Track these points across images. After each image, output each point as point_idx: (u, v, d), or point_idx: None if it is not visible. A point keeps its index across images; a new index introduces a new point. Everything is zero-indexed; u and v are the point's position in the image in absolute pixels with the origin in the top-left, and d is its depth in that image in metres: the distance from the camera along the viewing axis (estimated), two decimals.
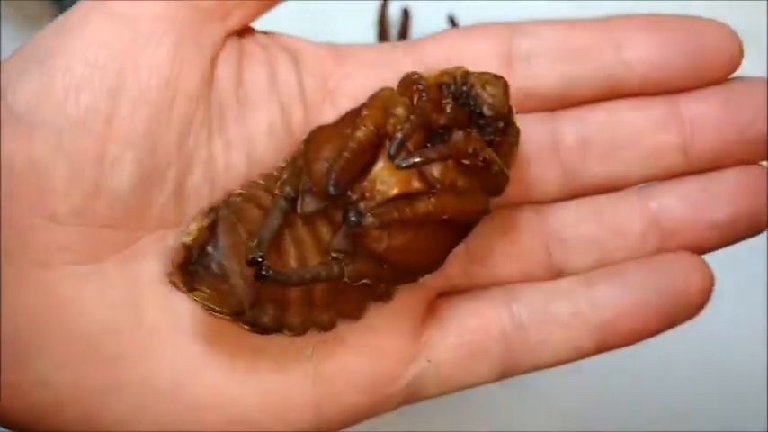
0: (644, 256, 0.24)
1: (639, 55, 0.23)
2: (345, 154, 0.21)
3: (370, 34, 0.54)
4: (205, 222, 0.21)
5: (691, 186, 0.24)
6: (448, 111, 0.22)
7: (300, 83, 0.23)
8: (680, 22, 0.24)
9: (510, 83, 0.24)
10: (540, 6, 0.53)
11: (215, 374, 0.22)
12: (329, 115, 0.23)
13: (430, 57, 0.24)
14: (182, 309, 0.22)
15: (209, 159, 0.22)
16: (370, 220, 0.21)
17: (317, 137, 0.22)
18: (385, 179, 0.21)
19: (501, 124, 0.22)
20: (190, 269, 0.21)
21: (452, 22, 0.55)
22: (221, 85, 0.22)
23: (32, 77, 0.21)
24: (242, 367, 0.22)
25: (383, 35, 0.54)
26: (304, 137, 0.22)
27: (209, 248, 0.21)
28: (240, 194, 0.22)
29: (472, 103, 0.22)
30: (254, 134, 0.23)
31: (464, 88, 0.22)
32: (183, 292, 0.21)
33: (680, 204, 0.24)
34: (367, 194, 0.21)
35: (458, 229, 0.22)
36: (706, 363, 0.45)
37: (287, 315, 0.22)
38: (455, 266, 0.24)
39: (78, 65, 0.21)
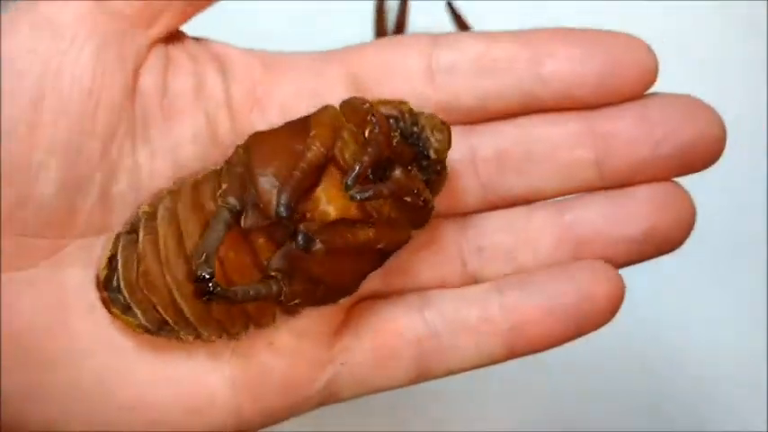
0: (556, 265, 0.24)
1: (554, 70, 0.24)
2: (297, 174, 0.21)
3: (368, 23, 0.54)
4: (107, 254, 0.22)
5: (605, 200, 0.24)
6: (395, 145, 0.22)
7: (227, 91, 0.24)
8: (596, 37, 0.24)
9: (430, 97, 0.24)
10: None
11: (138, 376, 0.23)
12: (258, 123, 0.24)
13: (358, 67, 0.25)
14: (104, 317, 0.23)
15: (135, 168, 0.23)
16: (318, 246, 0.21)
17: (261, 146, 0.22)
18: (326, 202, 0.22)
19: (439, 166, 0.23)
20: (103, 296, 0.22)
21: (451, 8, 0.55)
22: (145, 94, 0.23)
23: None
24: (163, 369, 0.23)
25: (380, 22, 0.54)
26: (238, 142, 0.23)
27: (114, 282, 0.22)
28: (146, 211, 0.23)
29: (420, 144, 0.23)
30: (179, 142, 0.23)
31: (414, 129, 0.23)
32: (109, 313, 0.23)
33: (594, 217, 0.24)
34: (308, 215, 0.22)
35: (382, 255, 0.23)
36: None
37: (200, 331, 0.23)
38: (375, 275, 0.24)
39: (5, 72, 0.21)
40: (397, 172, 0.22)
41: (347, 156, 0.22)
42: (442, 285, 0.25)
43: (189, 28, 0.25)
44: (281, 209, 0.21)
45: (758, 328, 0.45)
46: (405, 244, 0.23)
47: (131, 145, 0.22)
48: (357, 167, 0.21)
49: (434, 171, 0.23)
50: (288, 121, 0.23)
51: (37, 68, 0.21)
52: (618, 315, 0.25)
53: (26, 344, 0.22)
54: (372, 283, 0.24)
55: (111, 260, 0.22)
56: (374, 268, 0.23)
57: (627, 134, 0.24)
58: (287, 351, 0.24)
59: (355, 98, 0.23)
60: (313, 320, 0.24)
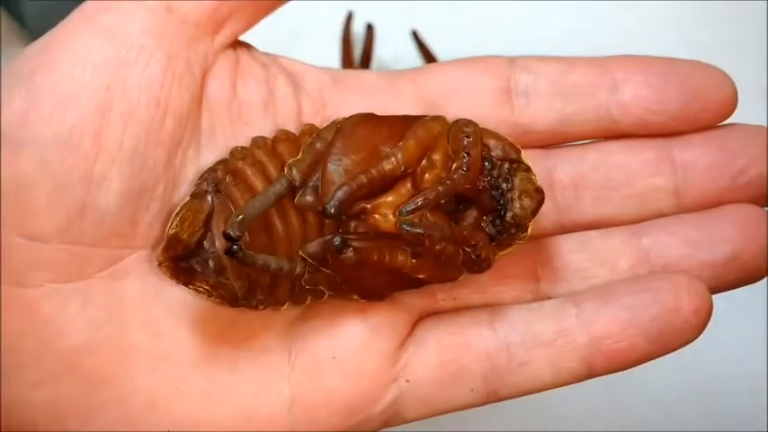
0: (636, 278, 0.23)
1: (634, 96, 0.23)
2: (362, 179, 0.21)
3: (334, 50, 0.53)
4: (199, 215, 0.21)
5: (684, 224, 0.24)
6: (480, 188, 0.22)
7: (298, 105, 0.23)
8: (676, 65, 0.24)
9: (507, 118, 0.24)
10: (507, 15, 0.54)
11: (191, 397, 0.21)
12: None
13: (431, 86, 0.24)
14: (162, 329, 0.21)
15: (197, 176, 0.22)
16: (349, 253, 0.21)
17: (352, 132, 0.22)
18: (386, 212, 0.21)
19: (515, 229, 0.22)
20: (184, 265, 0.21)
21: (416, 37, 0.55)
22: (212, 100, 0.22)
23: (19, 94, 0.20)
24: (219, 390, 0.22)
25: (347, 51, 0.53)
26: (337, 118, 0.22)
27: (206, 243, 0.21)
28: (229, 172, 0.21)
29: (502, 202, 0.22)
30: None
31: (503, 185, 0.22)
32: (176, 282, 0.21)
33: (673, 241, 0.23)
34: (363, 216, 0.21)
35: (422, 281, 0.22)
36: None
37: (275, 294, 0.21)
38: (441, 289, 0.23)
39: (65, 82, 0.20)
40: (471, 215, 0.22)
41: (427, 177, 0.21)
42: (514, 302, 0.24)
43: None
44: (330, 206, 0.21)
45: (758, 328, 0.46)
46: (452, 281, 0.22)
47: (195, 151, 0.22)
48: (418, 201, 0.21)
49: (510, 230, 0.22)
50: (393, 116, 0.23)
51: (104, 78, 0.20)
52: None
53: (75, 359, 0.21)
54: (439, 298, 0.24)
55: (208, 219, 0.21)
56: (411, 287, 0.22)
57: (706, 163, 0.24)
58: (351, 367, 0.22)
59: (467, 122, 0.22)
60: (376, 336, 0.23)
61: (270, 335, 0.22)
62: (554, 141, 0.24)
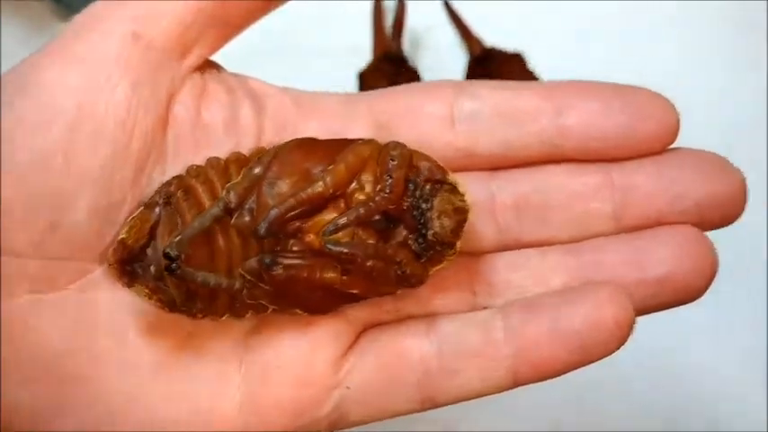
0: (564, 290, 0.24)
1: (576, 122, 0.24)
2: (291, 201, 0.22)
3: (366, 20, 0.54)
4: (146, 225, 0.23)
5: (621, 244, 0.24)
6: (404, 207, 0.23)
7: (259, 126, 0.24)
8: (619, 91, 0.24)
9: (452, 142, 0.25)
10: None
11: (152, 400, 0.23)
12: None
13: (383, 110, 0.25)
14: (128, 338, 0.23)
15: None
16: (279, 270, 0.22)
17: (287, 156, 0.23)
18: (318, 231, 0.22)
19: (440, 247, 0.23)
20: (128, 268, 0.23)
21: (448, 6, 0.55)
22: (178, 122, 0.23)
23: (13, 107, 0.22)
24: (177, 393, 0.24)
25: (378, 21, 0.54)
26: (277, 142, 0.24)
27: (149, 251, 0.23)
28: (181, 187, 0.23)
29: (422, 221, 0.23)
30: None
31: (424, 205, 0.23)
32: (121, 284, 0.23)
33: (609, 260, 0.24)
34: (299, 235, 0.22)
35: (358, 297, 0.23)
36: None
37: (215, 305, 0.23)
38: (386, 302, 0.25)
39: (40, 106, 0.22)
40: (400, 234, 0.23)
41: (357, 198, 0.23)
42: (453, 313, 0.25)
43: None
44: (261, 228, 0.22)
45: (758, 327, 0.47)
46: (389, 295, 0.24)
47: (161, 171, 0.23)
48: (339, 222, 0.22)
49: (434, 247, 0.23)
50: (329, 140, 0.24)
51: (73, 102, 0.22)
52: None
53: (50, 364, 0.22)
54: (384, 309, 0.25)
55: (153, 229, 0.23)
56: (352, 302, 0.24)
57: (645, 188, 0.24)
58: (295, 375, 0.24)
59: (396, 145, 0.23)
60: (321, 345, 0.24)
61: (224, 345, 0.24)
62: (499, 165, 0.25)
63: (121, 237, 0.23)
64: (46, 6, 0.54)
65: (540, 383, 0.24)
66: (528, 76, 0.51)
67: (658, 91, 0.24)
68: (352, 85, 0.51)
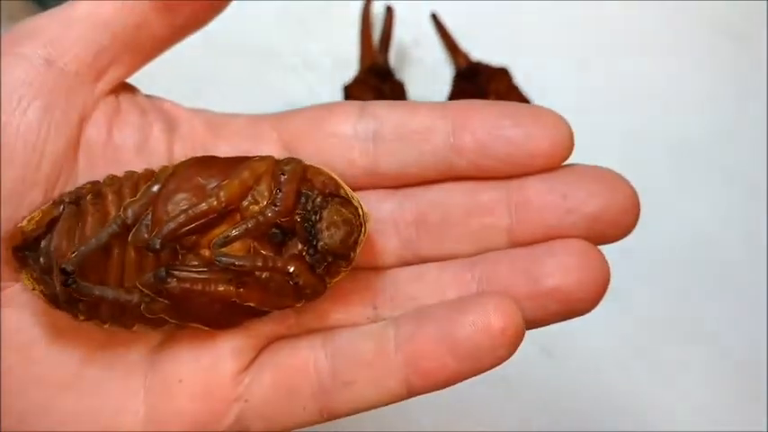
0: (455, 299, 0.24)
1: (469, 141, 0.24)
2: (182, 218, 0.23)
3: (354, 32, 0.55)
4: (46, 218, 0.24)
5: (515, 257, 0.25)
6: (297, 220, 0.24)
7: (170, 148, 0.25)
8: (511, 110, 0.25)
9: (355, 161, 0.26)
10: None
11: (58, 416, 0.24)
12: None
13: (290, 131, 0.26)
14: (35, 354, 0.24)
15: None
16: (173, 283, 0.23)
17: (183, 176, 0.24)
18: (216, 245, 0.23)
19: (331, 258, 0.24)
20: (20, 255, 0.24)
21: (436, 20, 0.55)
22: (90, 144, 0.24)
23: None
24: (83, 409, 0.24)
25: (366, 33, 0.54)
26: (175, 160, 0.24)
27: (43, 243, 0.24)
28: (93, 192, 0.24)
29: (312, 232, 0.24)
30: None
31: (313, 217, 0.24)
32: (10, 269, 0.24)
33: (501, 273, 0.24)
34: (196, 249, 0.23)
35: (257, 310, 0.24)
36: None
37: (98, 311, 0.24)
38: (291, 316, 0.25)
39: None
40: (295, 246, 0.24)
41: (251, 210, 0.24)
42: (353, 327, 0.25)
43: None
44: (154, 243, 0.23)
45: (758, 327, 0.47)
46: (289, 307, 0.24)
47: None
48: (231, 233, 0.23)
49: (327, 259, 0.24)
50: (225, 157, 0.25)
51: None
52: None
53: None
54: (287, 324, 0.25)
55: (52, 223, 0.24)
56: (254, 316, 0.24)
57: (537, 203, 0.24)
58: (196, 389, 0.25)
59: (289, 160, 0.24)
60: (221, 360, 0.25)
61: (132, 359, 0.25)
62: (400, 183, 0.26)
63: (20, 225, 0.23)
64: (27, 7, 0.54)
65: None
66: (514, 90, 0.52)
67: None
68: (338, 98, 0.52)
